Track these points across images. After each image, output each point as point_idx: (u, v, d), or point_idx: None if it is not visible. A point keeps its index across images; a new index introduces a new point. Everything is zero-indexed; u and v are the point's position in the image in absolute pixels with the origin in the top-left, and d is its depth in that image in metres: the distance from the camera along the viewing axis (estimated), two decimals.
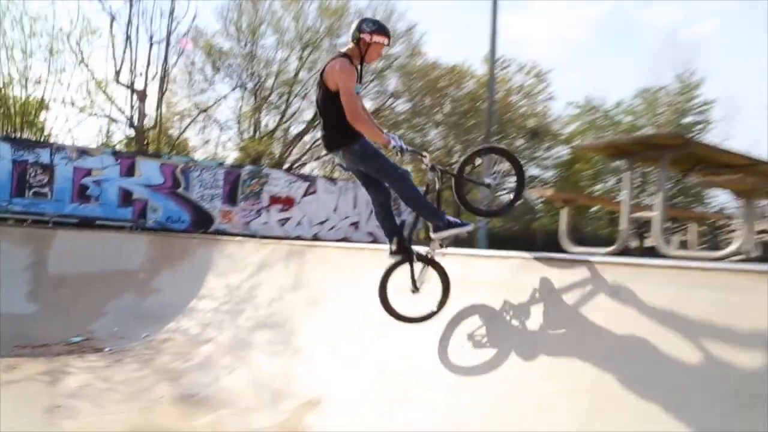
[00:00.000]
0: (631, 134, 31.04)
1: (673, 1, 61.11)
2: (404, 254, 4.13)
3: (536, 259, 3.41)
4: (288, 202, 17.13)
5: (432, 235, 4.14)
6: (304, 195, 17.58)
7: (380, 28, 4.21)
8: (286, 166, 27.42)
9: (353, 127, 4.02)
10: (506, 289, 3.61)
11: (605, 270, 3.11)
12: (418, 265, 4.07)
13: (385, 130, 4.32)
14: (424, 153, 4.49)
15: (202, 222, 15.42)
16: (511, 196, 4.12)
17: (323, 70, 4.21)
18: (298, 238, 16.38)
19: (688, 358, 2.55)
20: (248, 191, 16.42)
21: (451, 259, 4.02)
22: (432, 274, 3.97)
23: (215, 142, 29.30)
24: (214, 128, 28.52)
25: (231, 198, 16.09)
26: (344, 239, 18.07)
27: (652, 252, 3.94)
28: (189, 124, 27.86)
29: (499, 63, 30.44)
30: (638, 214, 3.92)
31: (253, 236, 13.65)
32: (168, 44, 23.01)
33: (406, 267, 4.09)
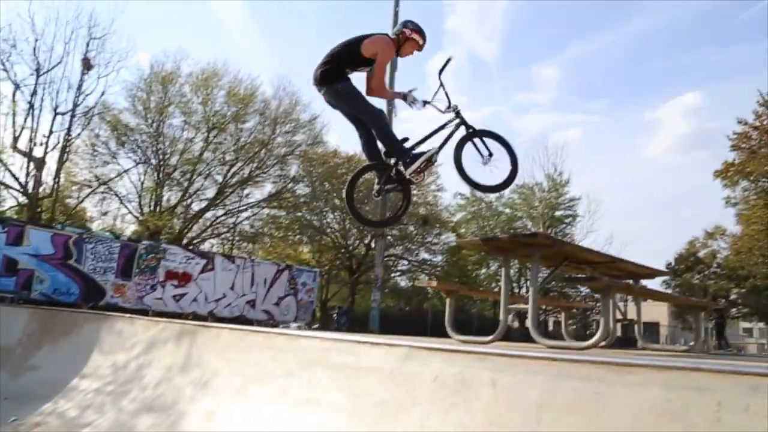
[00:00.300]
0: (510, 225, 33.03)
1: (544, 114, 67.18)
2: (384, 166, 4.72)
3: (421, 348, 3.41)
4: (184, 278, 16.34)
5: (405, 172, 4.63)
6: (202, 272, 16.87)
7: (420, 30, 4.69)
8: (185, 241, 26.38)
9: (341, 76, 4.52)
10: (392, 378, 3.57)
11: (484, 360, 3.16)
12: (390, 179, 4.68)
13: (400, 90, 4.76)
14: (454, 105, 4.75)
15: (92, 295, 14.30)
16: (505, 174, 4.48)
17: (363, 37, 4.55)
18: (193, 314, 15.58)
19: None
20: (144, 266, 15.52)
21: (340, 346, 3.95)
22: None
23: (114, 215, 27.85)
24: (114, 201, 27.16)
25: (125, 272, 15.12)
26: (240, 317, 17.39)
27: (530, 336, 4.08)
28: (88, 195, 26.37)
29: None
30: (514, 306, 4.06)
31: (146, 311, 12.80)
32: (73, 115, 22.00)
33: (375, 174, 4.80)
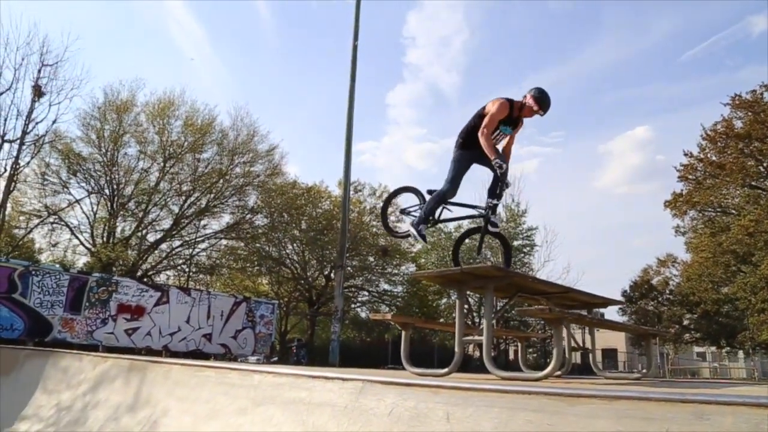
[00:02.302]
0: (470, 255, 33.31)
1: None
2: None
3: (376, 381, 3.37)
4: (138, 312, 15.85)
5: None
6: (156, 305, 16.40)
7: (538, 98, 4.97)
8: (139, 273, 25.63)
9: (475, 139, 4.94)
10: (346, 414, 3.51)
11: (438, 393, 3.14)
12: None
13: (496, 156, 4.90)
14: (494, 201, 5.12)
15: (38, 330, 13.70)
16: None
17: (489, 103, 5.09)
18: (146, 348, 15.07)
19: None
20: (95, 299, 14.99)
21: (293, 381, 3.86)
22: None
23: (65, 246, 26.89)
24: (65, 231, 26.25)
25: (75, 306, 14.56)
26: (196, 351, 16.91)
27: (495, 362, 4.08)
28: (37, 225, 25.42)
29: (353, 186, 31.78)
30: (469, 338, 4.06)
31: (96, 347, 12.30)
32: (22, 143, 21.31)
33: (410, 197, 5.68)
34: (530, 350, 32.63)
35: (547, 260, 32.44)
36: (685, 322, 39.04)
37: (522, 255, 34.12)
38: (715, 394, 2.37)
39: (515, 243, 33.36)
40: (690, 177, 29.78)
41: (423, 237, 5.26)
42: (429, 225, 5.38)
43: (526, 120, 5.26)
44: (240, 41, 74.15)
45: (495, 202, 5.01)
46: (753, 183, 27.74)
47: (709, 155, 29.11)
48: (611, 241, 76.08)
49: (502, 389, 2.91)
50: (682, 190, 30.51)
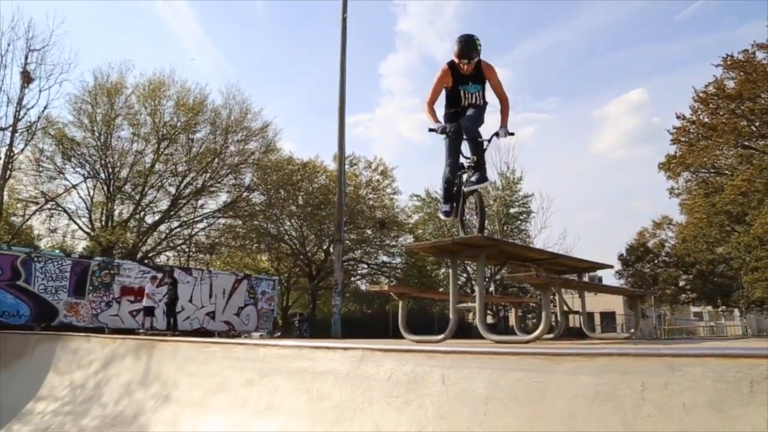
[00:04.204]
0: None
1: (496, 113, 68.40)
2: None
3: (375, 350, 3.57)
4: (141, 294, 16.07)
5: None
6: (158, 285, 16.61)
7: (456, 50, 4.80)
8: (139, 255, 25.82)
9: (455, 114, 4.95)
10: (348, 380, 3.72)
11: (434, 358, 3.34)
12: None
13: (434, 125, 4.87)
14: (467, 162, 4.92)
15: (44, 315, 13.94)
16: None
17: None
18: (151, 328, 15.33)
19: (501, 430, 2.80)
20: (98, 283, 15.20)
21: (297, 353, 4.07)
22: None
23: (63, 231, 27.03)
24: (63, 217, 26.35)
25: (78, 290, 14.78)
26: (200, 329, 17.19)
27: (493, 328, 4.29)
28: (35, 212, 25.49)
29: (349, 160, 31.81)
30: (463, 305, 4.25)
31: (102, 329, 12.56)
32: (15, 131, 21.25)
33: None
34: (529, 315, 33.08)
35: (544, 227, 32.67)
36: (681, 283, 39.57)
37: (518, 222, 34.34)
38: (687, 348, 2.56)
39: (511, 210, 33.56)
40: (683, 139, 29.86)
41: (446, 214, 5.13)
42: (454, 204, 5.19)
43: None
44: (230, 18, 73.23)
45: (468, 163, 4.91)
46: (745, 143, 27.85)
47: (701, 117, 29.15)
48: (609, 206, 76.57)
49: (493, 351, 3.11)
50: (675, 152, 30.63)
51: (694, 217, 31.97)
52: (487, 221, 26.29)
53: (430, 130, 4.85)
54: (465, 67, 4.82)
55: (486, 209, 5.06)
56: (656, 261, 40.77)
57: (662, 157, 31.53)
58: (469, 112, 4.96)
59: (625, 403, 2.42)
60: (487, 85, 5.04)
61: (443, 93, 5.05)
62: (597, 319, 41.74)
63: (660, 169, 31.56)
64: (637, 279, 39.64)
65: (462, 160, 4.97)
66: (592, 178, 77.57)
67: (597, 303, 39.25)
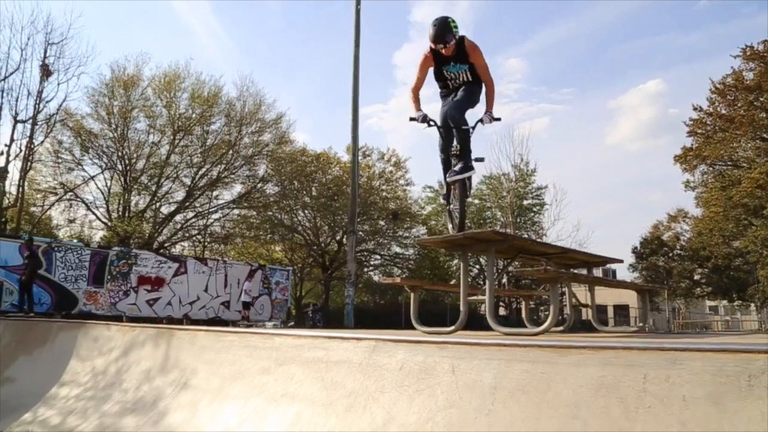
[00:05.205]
0: (480, 216, 33.53)
1: (511, 104, 67.99)
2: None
3: (388, 340, 3.70)
4: (157, 283, 16.38)
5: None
6: (174, 275, 16.89)
7: (430, 36, 4.66)
8: (155, 246, 26.18)
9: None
10: (361, 370, 3.86)
11: (444, 348, 3.44)
12: None
13: (418, 112, 4.84)
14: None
15: (64, 304, 14.26)
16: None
17: None
18: (168, 318, 15.62)
19: (509, 419, 2.91)
20: (116, 272, 15.50)
21: (312, 342, 4.20)
22: None
23: (81, 222, 27.48)
24: (81, 207, 26.79)
25: (97, 279, 15.09)
26: (215, 318, 17.47)
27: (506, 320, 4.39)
28: (54, 203, 25.94)
29: (362, 151, 31.91)
30: (473, 298, 4.35)
31: (120, 318, 12.82)
32: (35, 123, 21.60)
33: None
34: (542, 308, 33.06)
35: (557, 219, 32.45)
36: (696, 277, 39.24)
37: (531, 214, 34.24)
38: (689, 343, 2.65)
39: (524, 202, 33.47)
40: (699, 131, 29.57)
41: (445, 200, 5.05)
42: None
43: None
44: (243, 10, 73.34)
45: (453, 151, 4.77)
46: (764, 135, 27.52)
47: (718, 109, 28.85)
48: (624, 198, 75.89)
49: (501, 343, 3.21)
50: (692, 144, 30.34)
51: (710, 210, 31.66)
52: (499, 213, 26.20)
53: (411, 119, 4.80)
54: (444, 50, 4.68)
55: (466, 200, 4.83)
56: (671, 254, 40.47)
57: (679, 148, 31.25)
58: (455, 96, 4.85)
59: (628, 395, 2.49)
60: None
61: (432, 73, 4.94)
62: (610, 312, 41.59)
63: (676, 162, 31.31)
64: (651, 272, 39.39)
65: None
66: (607, 169, 76.97)
67: (610, 296, 39.12)
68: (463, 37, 4.73)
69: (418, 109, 4.86)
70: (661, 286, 27.10)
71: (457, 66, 4.82)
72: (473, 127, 4.77)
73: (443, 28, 4.59)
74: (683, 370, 2.38)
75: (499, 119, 4.85)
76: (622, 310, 41.83)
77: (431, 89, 5.12)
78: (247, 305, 18.17)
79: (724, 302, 45.32)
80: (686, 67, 74.95)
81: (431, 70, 4.93)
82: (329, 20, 77.83)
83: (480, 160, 4.82)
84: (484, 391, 3.16)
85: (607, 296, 39.70)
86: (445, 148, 4.85)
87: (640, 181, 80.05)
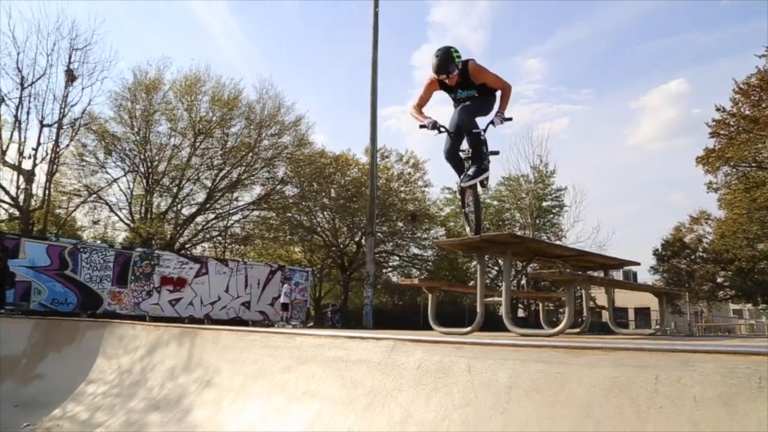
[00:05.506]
0: (499, 217, 33.45)
1: (531, 105, 67.60)
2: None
3: (406, 340, 3.79)
4: (180, 283, 16.66)
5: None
6: (196, 276, 17.17)
7: (432, 65, 4.68)
8: (177, 246, 26.58)
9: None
10: (380, 369, 3.95)
11: (461, 349, 3.52)
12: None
13: (426, 119, 4.85)
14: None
15: (90, 303, 14.59)
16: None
17: None
18: (189, 317, 15.88)
19: (523, 418, 2.99)
20: (139, 273, 15.82)
21: (332, 342, 4.31)
22: None
23: (104, 223, 28.00)
24: (104, 209, 27.31)
25: (121, 279, 15.42)
26: (236, 318, 17.70)
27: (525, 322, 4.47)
28: (79, 205, 26.49)
29: (380, 152, 32.04)
30: (489, 299, 4.43)
31: (143, 317, 13.08)
32: (60, 127, 22.10)
33: None
34: (561, 310, 32.83)
35: (576, 220, 32.27)
36: (719, 280, 38.63)
37: (551, 216, 34.05)
38: (701, 345, 2.70)
39: (543, 204, 33.30)
40: (722, 132, 29.15)
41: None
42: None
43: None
44: (262, 12, 73.96)
45: (464, 155, 4.84)
46: None
47: (742, 109, 28.39)
48: (645, 199, 74.94)
49: (516, 344, 3.29)
50: (714, 145, 29.91)
51: (734, 212, 31.19)
52: (518, 214, 26.15)
53: (421, 126, 4.84)
54: (448, 80, 4.70)
55: (480, 201, 4.93)
56: (693, 257, 39.90)
57: (701, 150, 30.84)
58: (466, 103, 4.84)
59: (640, 395, 2.54)
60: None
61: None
62: (631, 314, 41.14)
63: (698, 163, 30.87)
64: (672, 275, 38.89)
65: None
66: (628, 170, 76.07)
67: (631, 298, 38.69)
68: (466, 63, 4.72)
69: (424, 117, 4.88)
70: (677, 290, 26.74)
71: (464, 92, 4.83)
72: (485, 130, 4.80)
73: (446, 58, 4.59)
74: (695, 372, 2.42)
75: (510, 119, 4.84)
76: (643, 313, 41.33)
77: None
78: (286, 306, 19.64)
79: (749, 306, 44.55)
80: (710, 67, 73.85)
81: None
82: (347, 21, 78.20)
83: (495, 153, 4.90)
84: (500, 390, 3.23)
85: (628, 298, 39.29)
86: (454, 153, 4.88)
87: (661, 182, 79.06)
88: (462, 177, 4.79)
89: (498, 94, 4.89)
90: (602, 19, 75.22)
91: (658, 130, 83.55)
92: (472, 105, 4.81)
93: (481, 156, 4.72)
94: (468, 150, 4.74)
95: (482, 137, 4.76)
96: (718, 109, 29.07)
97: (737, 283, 36.21)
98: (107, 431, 5.54)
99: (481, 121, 4.88)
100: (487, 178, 4.88)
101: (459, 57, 4.64)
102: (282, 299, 19.62)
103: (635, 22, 75.30)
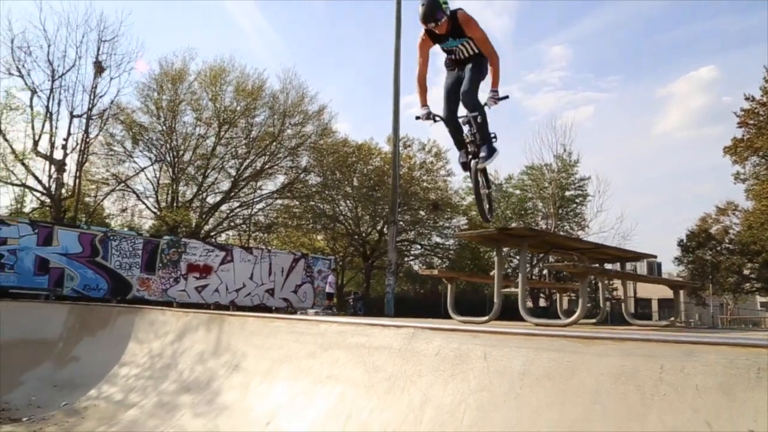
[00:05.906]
0: (521, 206, 33.33)
1: (555, 92, 66.80)
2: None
3: (425, 328, 3.97)
4: (206, 271, 17.05)
5: None
6: (221, 263, 17.55)
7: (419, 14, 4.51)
8: (202, 234, 27.09)
9: None
10: (401, 355, 4.15)
11: (478, 337, 3.69)
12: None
13: (422, 109, 4.80)
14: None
15: (119, 290, 15.04)
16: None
17: None
18: (215, 304, 16.26)
19: (535, 404, 3.16)
20: (167, 260, 16.24)
21: (354, 329, 4.52)
22: None
23: (132, 211, 28.64)
24: (132, 198, 27.94)
25: (149, 266, 15.85)
26: (260, 305, 18.06)
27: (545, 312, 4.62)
28: (108, 194, 27.15)
29: (403, 141, 32.10)
30: (507, 290, 4.58)
31: (170, 303, 13.47)
32: (89, 117, 22.63)
33: None
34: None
35: (600, 210, 31.91)
36: (746, 272, 38.03)
37: (574, 205, 33.79)
38: (704, 336, 2.84)
39: (566, 193, 33.07)
40: (750, 122, 28.61)
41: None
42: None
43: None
44: (287, 2, 74.05)
45: (469, 137, 4.73)
46: None
47: None
48: (671, 189, 73.54)
49: (530, 333, 3.45)
50: (743, 135, 29.38)
51: (762, 203, 30.64)
52: (541, 203, 25.99)
53: (417, 118, 4.80)
54: (437, 29, 4.51)
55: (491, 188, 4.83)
56: (719, 248, 39.31)
57: (729, 139, 30.29)
58: (462, 74, 4.70)
59: (645, 383, 2.68)
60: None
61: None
62: (654, 305, 40.74)
63: (725, 153, 30.38)
64: (697, 266, 38.38)
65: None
66: (653, 159, 74.54)
67: (656, 290, 38.26)
68: (455, 11, 4.56)
69: (424, 102, 4.78)
70: (693, 283, 26.34)
71: (456, 41, 4.67)
72: (482, 113, 4.65)
73: (432, 5, 4.41)
74: (697, 362, 2.55)
75: (506, 98, 4.72)
76: (667, 304, 40.87)
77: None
78: (330, 296, 21.58)
79: None
80: (743, 53, 71.67)
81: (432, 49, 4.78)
82: (372, 11, 77.90)
83: (505, 98, 4.71)
84: (513, 376, 3.40)
85: (652, 290, 38.87)
86: (459, 139, 4.81)
87: (688, 172, 77.43)
88: (475, 160, 4.72)
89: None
90: (631, 4, 73.66)
91: (687, 118, 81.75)
92: (470, 80, 4.67)
93: (488, 135, 4.63)
94: (473, 132, 4.63)
95: (486, 116, 4.64)
96: (747, 99, 28.54)
97: (764, 275, 35.65)
98: (141, 411, 5.84)
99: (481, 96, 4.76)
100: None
101: (446, 4, 4.48)
102: (327, 289, 21.35)
103: (665, 7, 73.56)
